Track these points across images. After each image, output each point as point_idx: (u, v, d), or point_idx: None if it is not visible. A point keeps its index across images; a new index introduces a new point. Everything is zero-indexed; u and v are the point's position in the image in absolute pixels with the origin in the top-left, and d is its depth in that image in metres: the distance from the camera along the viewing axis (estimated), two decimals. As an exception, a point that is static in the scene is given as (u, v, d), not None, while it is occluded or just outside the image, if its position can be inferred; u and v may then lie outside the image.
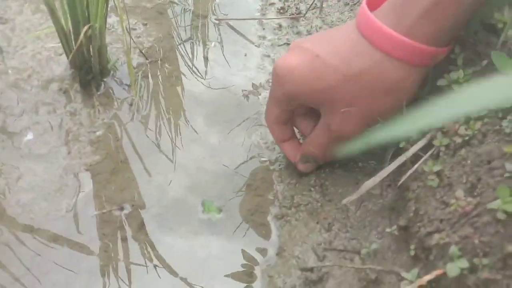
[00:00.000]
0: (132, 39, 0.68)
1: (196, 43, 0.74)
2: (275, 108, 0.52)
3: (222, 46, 0.74)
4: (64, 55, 0.62)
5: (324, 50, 0.44)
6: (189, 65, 0.70)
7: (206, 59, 0.72)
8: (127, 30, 0.63)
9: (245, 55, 0.74)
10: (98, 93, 0.62)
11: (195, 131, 0.61)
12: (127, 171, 0.55)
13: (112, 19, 0.72)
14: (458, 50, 0.44)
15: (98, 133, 0.58)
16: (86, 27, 0.55)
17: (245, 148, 0.60)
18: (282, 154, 0.59)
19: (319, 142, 0.51)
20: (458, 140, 0.38)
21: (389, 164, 0.46)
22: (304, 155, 0.54)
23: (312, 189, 0.55)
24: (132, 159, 0.57)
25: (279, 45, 0.76)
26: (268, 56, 0.75)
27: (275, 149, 0.60)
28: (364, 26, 0.42)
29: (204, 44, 0.74)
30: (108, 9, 0.61)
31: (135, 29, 0.73)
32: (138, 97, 0.63)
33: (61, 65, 0.64)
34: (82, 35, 0.55)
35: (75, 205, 0.52)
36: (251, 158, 0.59)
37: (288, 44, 0.76)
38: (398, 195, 0.49)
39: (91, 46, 0.58)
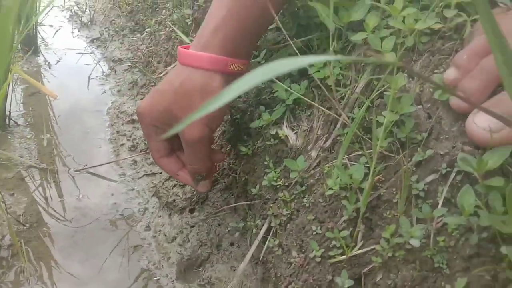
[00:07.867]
0: (9, 213, 0.74)
1: (63, 198, 0.83)
2: (152, 143, 0.64)
3: (89, 193, 0.84)
4: None
5: (160, 84, 0.60)
6: (59, 219, 0.78)
7: (76, 208, 0.81)
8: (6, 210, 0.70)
9: (112, 194, 0.85)
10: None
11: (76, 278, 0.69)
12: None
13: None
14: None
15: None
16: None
17: (136, 275, 0.70)
18: (172, 268, 0.71)
19: (188, 156, 0.61)
20: (284, 218, 0.57)
21: (250, 247, 0.63)
22: (192, 176, 0.65)
23: (201, 288, 0.68)
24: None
25: (139, 178, 0.90)
26: (133, 189, 0.87)
27: (163, 266, 0.72)
28: (179, 56, 0.58)
29: (71, 195, 0.83)
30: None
31: (3, 202, 0.79)
32: (27, 263, 0.69)
33: None
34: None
35: None
36: (143, 280, 0.69)
37: (147, 174, 0.91)
38: (264, 268, 0.65)
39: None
